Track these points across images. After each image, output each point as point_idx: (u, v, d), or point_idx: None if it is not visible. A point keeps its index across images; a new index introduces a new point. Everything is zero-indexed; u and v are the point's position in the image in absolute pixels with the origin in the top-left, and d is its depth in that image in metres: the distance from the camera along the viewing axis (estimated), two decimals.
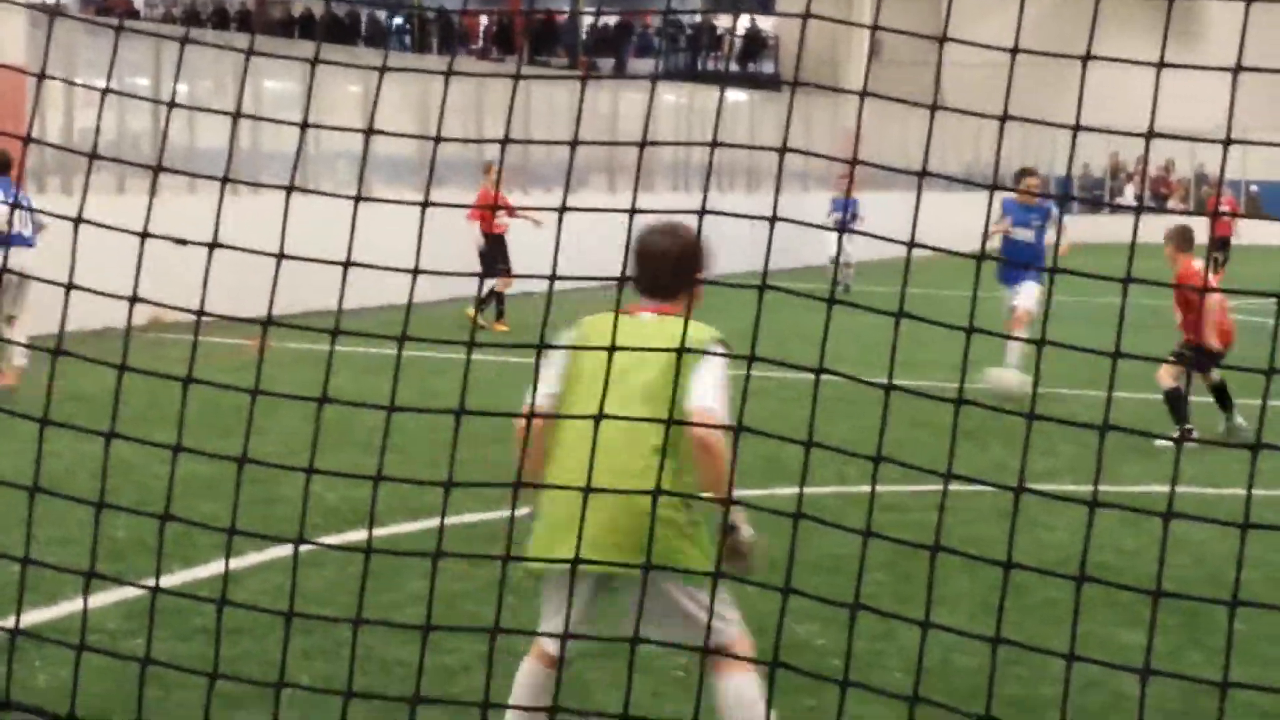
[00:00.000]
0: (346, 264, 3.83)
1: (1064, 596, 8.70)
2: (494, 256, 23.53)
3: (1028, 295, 17.09)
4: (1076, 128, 3.60)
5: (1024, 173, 19.73)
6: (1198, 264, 15.33)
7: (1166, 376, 14.25)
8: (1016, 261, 15.78)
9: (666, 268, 5.68)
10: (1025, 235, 17.92)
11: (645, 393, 5.37)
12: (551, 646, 5.64)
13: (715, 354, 5.43)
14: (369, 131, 4.12)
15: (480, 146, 30.73)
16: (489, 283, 23.03)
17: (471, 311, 22.35)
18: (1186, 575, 9.79)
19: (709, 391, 5.40)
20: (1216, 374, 14.28)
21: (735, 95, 41.45)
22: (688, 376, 5.34)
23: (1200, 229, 38.17)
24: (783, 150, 3.61)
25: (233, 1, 55.19)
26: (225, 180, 4.20)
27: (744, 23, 57.69)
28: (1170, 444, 11.05)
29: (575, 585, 5.11)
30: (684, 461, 5.42)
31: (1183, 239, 14.94)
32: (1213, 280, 36.31)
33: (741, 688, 5.58)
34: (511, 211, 22.93)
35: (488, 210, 22.82)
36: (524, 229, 22.40)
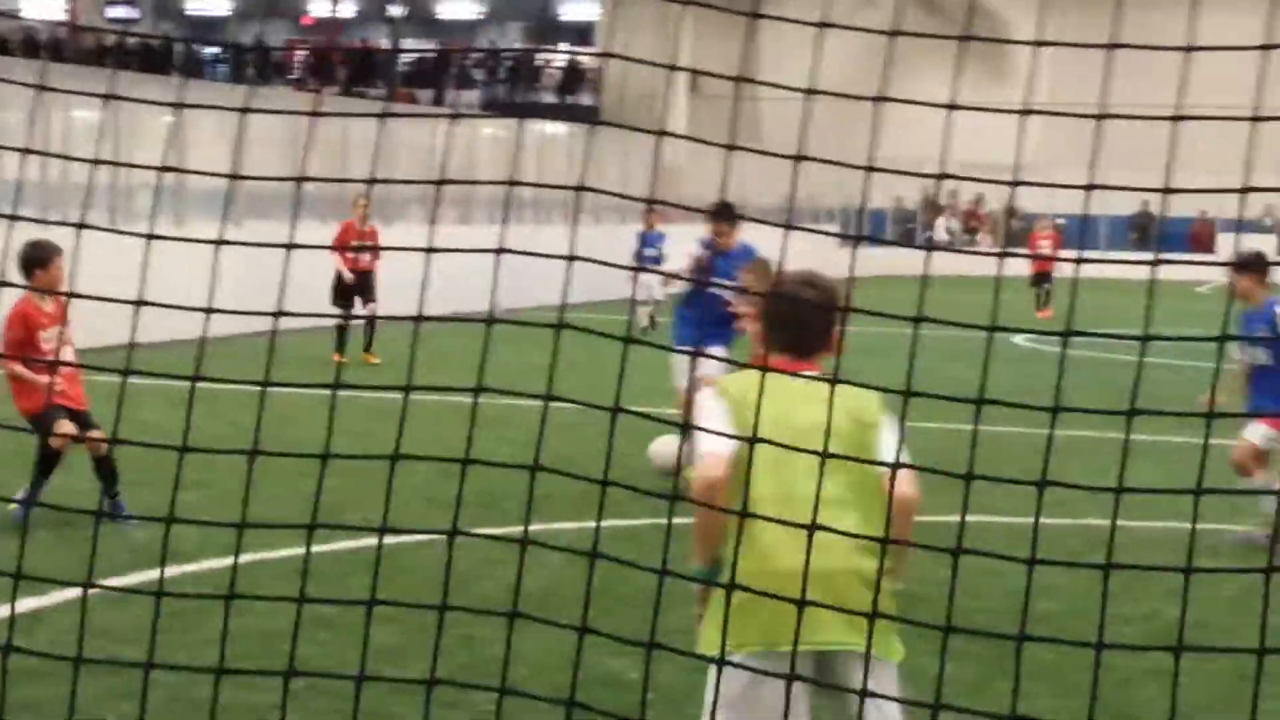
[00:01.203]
0: (139, 303, 3.78)
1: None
2: (359, 291, 23.72)
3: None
4: (869, 169, 3.65)
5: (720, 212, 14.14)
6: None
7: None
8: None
9: (817, 322, 5.46)
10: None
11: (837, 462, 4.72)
12: None
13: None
14: (165, 169, 4.07)
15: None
16: (344, 317, 23.17)
17: (336, 355, 22.41)
18: (998, 607, 9.92)
19: (895, 445, 4.91)
20: None
21: (554, 127, 41.52)
22: (873, 438, 5.20)
23: (1025, 266, 38.76)
24: (579, 189, 3.62)
25: (42, 30, 54.33)
26: (14, 219, 4.13)
27: (563, 57, 57.87)
28: None
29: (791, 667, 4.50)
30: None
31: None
32: (1042, 316, 36.88)
33: None
34: (376, 249, 22.86)
35: (349, 248, 22.94)
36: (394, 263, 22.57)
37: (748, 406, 4.98)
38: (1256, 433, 12.39)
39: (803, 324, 5.41)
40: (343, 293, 23.76)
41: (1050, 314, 38.05)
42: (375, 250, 23.53)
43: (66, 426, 11.11)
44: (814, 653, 5.07)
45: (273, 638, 8.66)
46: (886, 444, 5.21)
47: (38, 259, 11.77)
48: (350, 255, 23.40)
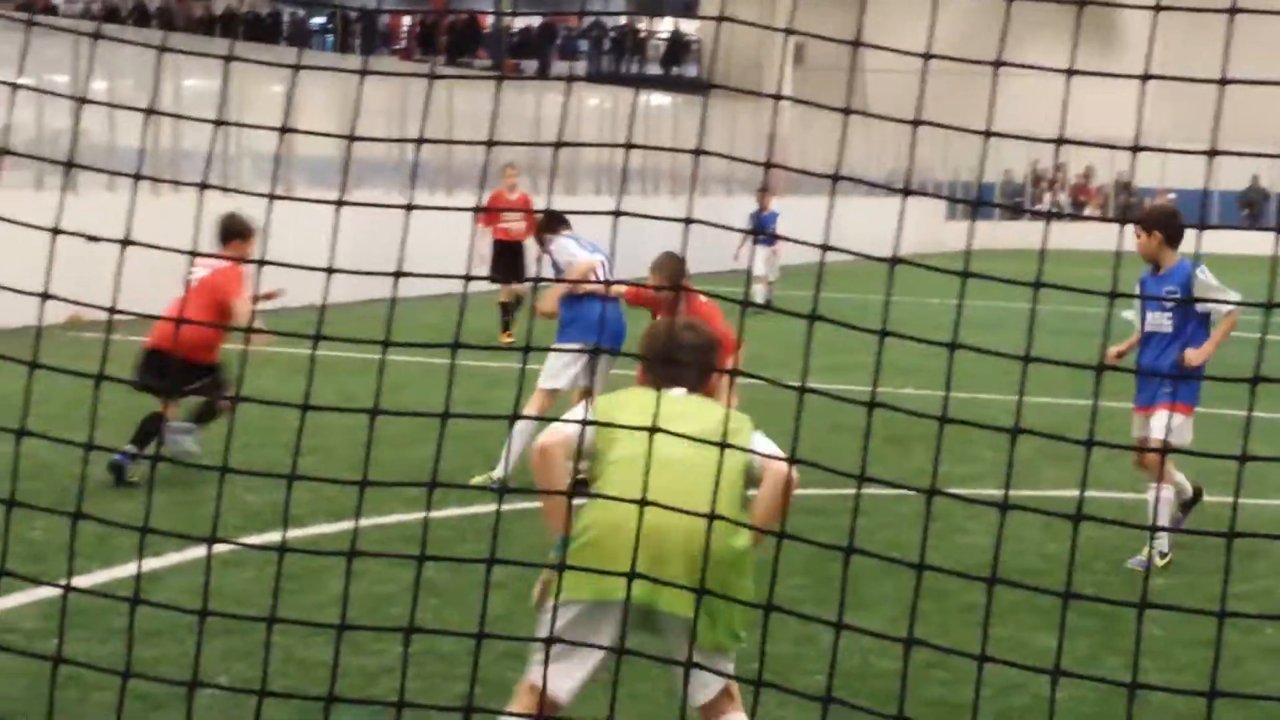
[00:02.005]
0: (262, 263, 3.81)
1: (983, 600, 8.76)
2: (504, 265, 22.72)
3: None
4: (988, 134, 3.62)
5: None
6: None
7: None
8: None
9: (694, 364, 5.88)
10: None
11: (695, 453, 5.31)
12: (557, 691, 5.50)
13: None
14: (284, 130, 4.10)
15: (452, 149, 30.65)
16: (498, 294, 22.86)
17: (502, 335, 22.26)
18: (1105, 581, 9.88)
19: (774, 448, 5.67)
20: None
21: (659, 98, 41.45)
22: (743, 443, 5.54)
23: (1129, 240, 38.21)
24: (698, 153, 3.62)
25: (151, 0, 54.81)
26: (139, 177, 4.17)
27: (668, 26, 57.79)
28: None
29: (616, 615, 5.29)
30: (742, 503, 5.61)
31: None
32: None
33: None
34: (530, 218, 22.38)
35: (496, 214, 22.50)
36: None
37: (613, 404, 5.74)
38: (1160, 425, 10.38)
39: (679, 363, 5.86)
40: (496, 264, 22.68)
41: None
42: (529, 217, 22.88)
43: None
44: (641, 607, 5.37)
45: (381, 602, 8.73)
46: (759, 445, 5.64)
47: (239, 231, 12.21)
48: (501, 225, 22.92)
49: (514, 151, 28.07)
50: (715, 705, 5.62)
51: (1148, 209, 11.68)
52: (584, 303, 12.19)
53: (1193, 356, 10.47)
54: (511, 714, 5.51)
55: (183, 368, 11.52)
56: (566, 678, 5.52)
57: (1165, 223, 10.90)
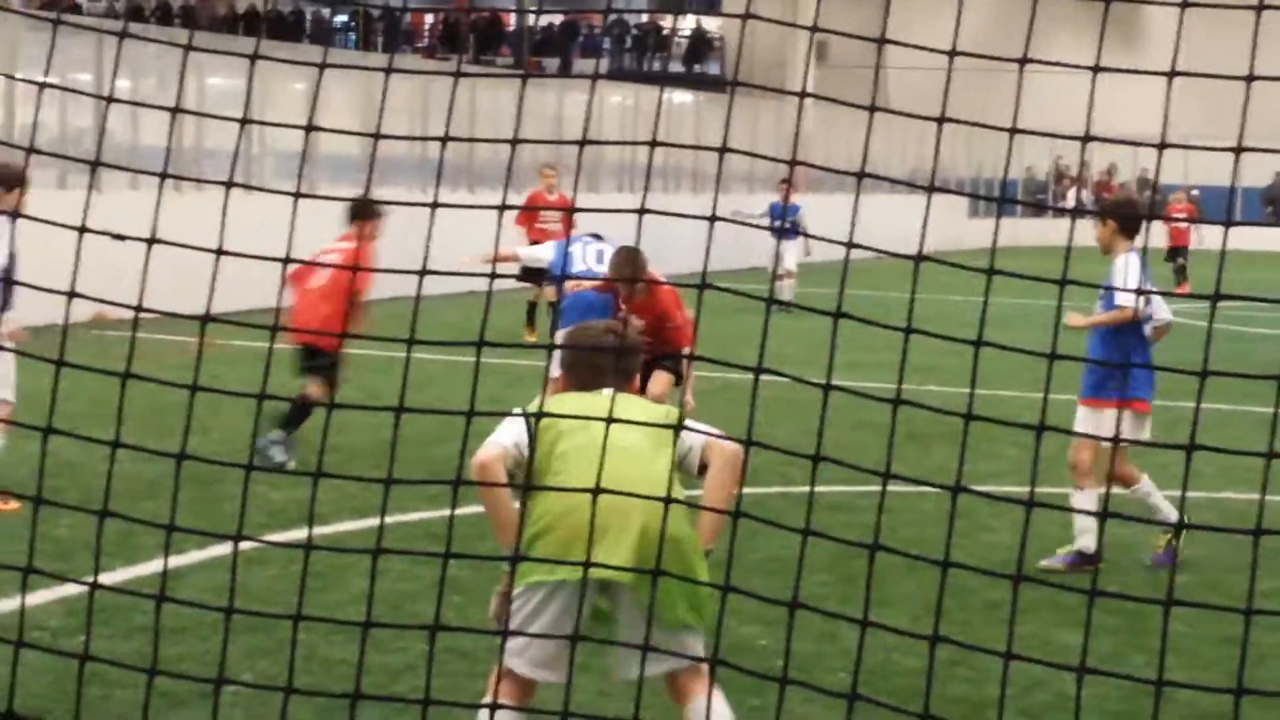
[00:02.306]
0: (286, 260, 3.81)
1: (1007, 598, 8.75)
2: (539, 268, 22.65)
3: None
4: (1013, 130, 3.62)
5: None
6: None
7: None
8: None
9: (615, 366, 6.01)
10: None
11: (642, 438, 5.65)
12: (526, 670, 5.66)
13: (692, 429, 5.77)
14: (309, 128, 4.11)
15: (474, 147, 30.59)
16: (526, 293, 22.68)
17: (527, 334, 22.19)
18: (1128, 577, 9.86)
19: (710, 429, 5.78)
20: None
21: (681, 96, 41.43)
22: (672, 435, 5.66)
23: (1156, 237, 37.88)
24: (723, 150, 3.62)
25: None
26: (164, 176, 4.18)
27: (690, 23, 57.76)
28: None
29: (578, 595, 5.44)
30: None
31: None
32: (1180, 292, 35.58)
33: (719, 705, 5.66)
34: (568, 218, 22.04)
35: (534, 215, 22.29)
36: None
37: (551, 405, 5.81)
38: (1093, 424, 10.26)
39: (599, 367, 6.00)
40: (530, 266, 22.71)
41: (1188, 289, 37.06)
42: (567, 215, 22.60)
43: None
44: (597, 581, 5.53)
45: (404, 599, 8.75)
46: (692, 432, 5.71)
47: (373, 212, 12.87)
48: (538, 226, 22.58)
49: (547, 153, 28.05)
50: (683, 684, 5.68)
51: (1109, 199, 11.32)
52: (579, 291, 12.56)
53: (1073, 318, 10.27)
54: (504, 705, 5.56)
55: (308, 352, 12.39)
56: (545, 668, 5.66)
57: (1120, 211, 10.62)
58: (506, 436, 5.77)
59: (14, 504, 9.90)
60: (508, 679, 5.59)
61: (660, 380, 11.98)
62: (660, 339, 11.32)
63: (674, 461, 5.51)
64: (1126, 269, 10.25)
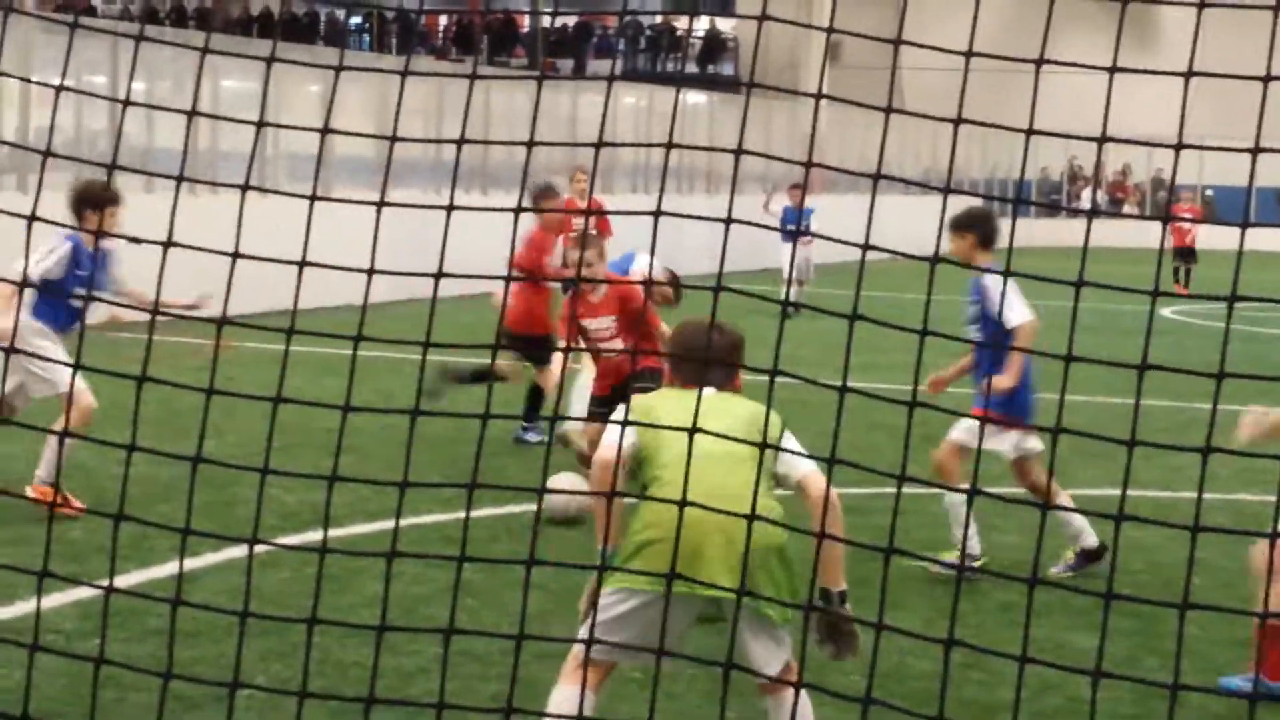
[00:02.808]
0: (302, 264, 3.82)
1: (1020, 600, 8.73)
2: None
3: None
4: (1030, 131, 3.61)
5: None
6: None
7: None
8: None
9: (722, 363, 6.13)
10: None
11: (735, 447, 5.61)
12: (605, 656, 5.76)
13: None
14: (325, 130, 4.11)
15: (486, 150, 30.56)
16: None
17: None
18: (1141, 580, 9.83)
19: (809, 458, 5.87)
20: None
21: (695, 97, 41.42)
22: (776, 438, 5.70)
23: (1154, 236, 37.58)
24: (739, 152, 3.61)
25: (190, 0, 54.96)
26: (180, 179, 4.18)
27: (704, 24, 57.76)
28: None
29: (683, 608, 5.60)
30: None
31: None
32: (1181, 293, 35.10)
33: (806, 707, 5.81)
34: (603, 223, 21.59)
35: (567, 220, 22.02)
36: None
37: (650, 405, 5.97)
38: (961, 426, 10.02)
39: (707, 363, 6.06)
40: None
41: (1186, 292, 36.60)
42: (602, 220, 22.16)
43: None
44: (702, 598, 5.65)
45: (418, 602, 8.74)
46: (797, 449, 5.87)
47: (547, 192, 14.27)
48: (571, 233, 22.53)
49: (562, 154, 28.00)
50: (782, 676, 5.77)
51: (963, 211, 10.57)
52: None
53: (1000, 383, 9.76)
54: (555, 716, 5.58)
55: (520, 342, 13.17)
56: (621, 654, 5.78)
57: (979, 224, 10.20)
58: (621, 438, 5.78)
59: (76, 504, 9.73)
60: (592, 666, 5.66)
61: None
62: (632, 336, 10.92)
63: (769, 469, 5.70)
64: (1000, 285, 9.64)
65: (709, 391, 5.83)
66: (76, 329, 10.10)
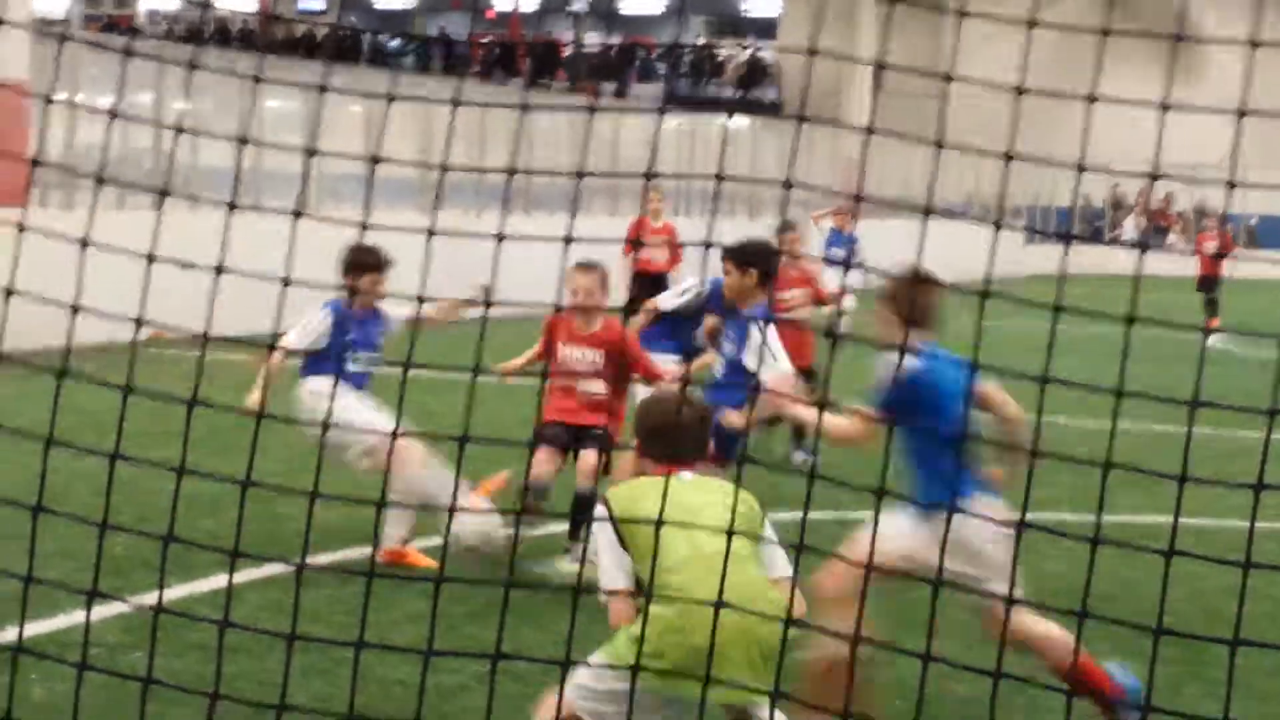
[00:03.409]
0: (353, 290, 3.84)
1: (1064, 626, 8.71)
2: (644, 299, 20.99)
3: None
4: (1081, 168, 3.62)
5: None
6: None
7: None
8: None
9: (694, 435, 6.06)
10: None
11: (737, 543, 5.52)
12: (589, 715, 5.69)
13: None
14: (375, 159, 4.14)
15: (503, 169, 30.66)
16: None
17: None
18: (1183, 609, 9.79)
19: (785, 558, 5.83)
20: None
21: (736, 121, 41.48)
22: (756, 534, 5.71)
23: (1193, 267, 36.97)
24: (788, 184, 3.63)
25: (234, 20, 55.30)
26: (232, 205, 4.23)
27: (746, 50, 57.88)
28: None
29: (679, 705, 5.46)
30: None
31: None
32: (1212, 325, 33.96)
33: None
34: (675, 247, 21.26)
35: (633, 244, 21.46)
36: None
37: (634, 502, 5.69)
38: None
39: (679, 437, 5.99)
40: (635, 299, 20.76)
41: (1218, 323, 35.04)
42: (674, 247, 21.38)
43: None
44: (721, 704, 5.57)
45: (460, 620, 8.75)
46: (775, 551, 5.82)
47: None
48: (644, 256, 21.88)
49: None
50: None
51: (747, 242, 10.06)
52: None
53: (733, 418, 9.30)
54: None
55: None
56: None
57: (762, 260, 9.79)
58: (611, 558, 5.76)
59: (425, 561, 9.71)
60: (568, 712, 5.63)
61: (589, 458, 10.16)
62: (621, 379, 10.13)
63: (759, 552, 5.69)
64: (766, 333, 9.51)
65: (688, 476, 5.81)
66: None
